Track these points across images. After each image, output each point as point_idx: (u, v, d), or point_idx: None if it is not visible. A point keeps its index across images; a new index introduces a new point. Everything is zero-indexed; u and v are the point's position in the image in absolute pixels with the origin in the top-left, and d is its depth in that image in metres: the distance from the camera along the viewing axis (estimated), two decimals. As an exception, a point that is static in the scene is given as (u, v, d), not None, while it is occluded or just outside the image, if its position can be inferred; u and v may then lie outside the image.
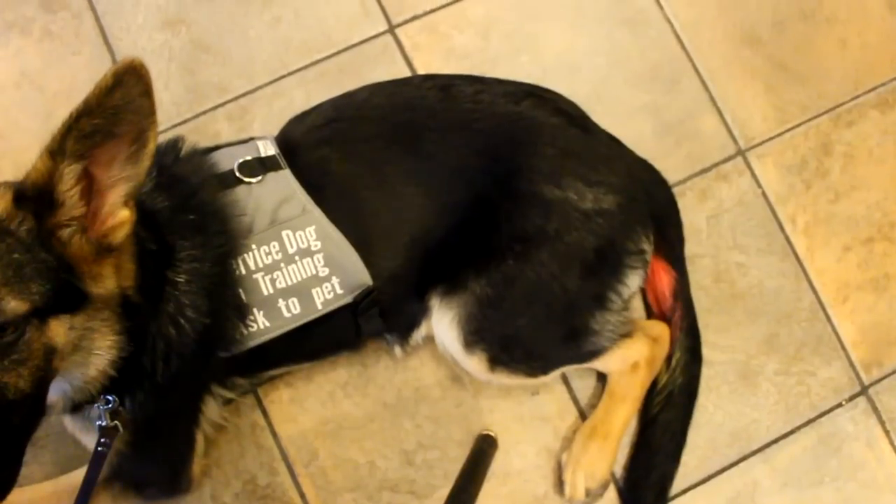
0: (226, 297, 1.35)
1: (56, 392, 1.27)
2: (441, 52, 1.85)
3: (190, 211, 1.31)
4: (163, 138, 1.42)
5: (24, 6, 1.90)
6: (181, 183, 1.34)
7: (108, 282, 1.13)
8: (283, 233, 1.38)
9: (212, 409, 1.59)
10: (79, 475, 1.54)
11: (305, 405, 1.70)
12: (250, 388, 1.67)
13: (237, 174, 1.39)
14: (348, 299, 1.44)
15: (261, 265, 1.37)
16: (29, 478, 1.65)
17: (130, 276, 1.17)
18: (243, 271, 1.36)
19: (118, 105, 0.97)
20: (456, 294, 1.52)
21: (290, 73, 1.86)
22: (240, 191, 1.38)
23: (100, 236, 1.10)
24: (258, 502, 1.67)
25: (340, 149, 1.48)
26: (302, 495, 1.67)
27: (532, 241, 1.47)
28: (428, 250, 1.50)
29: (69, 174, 1.03)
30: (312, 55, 1.87)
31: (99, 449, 1.39)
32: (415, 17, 1.90)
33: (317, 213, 1.40)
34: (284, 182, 1.41)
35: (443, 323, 1.54)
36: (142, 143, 1.03)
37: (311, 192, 1.42)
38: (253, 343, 1.40)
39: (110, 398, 1.32)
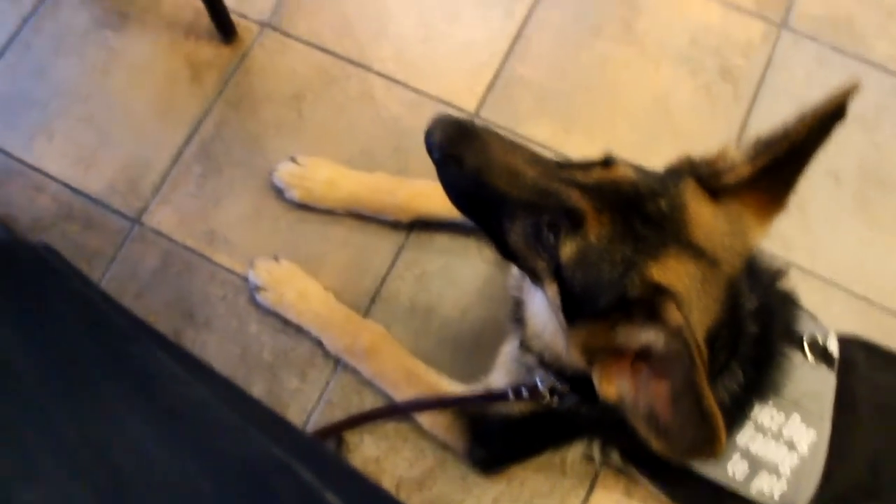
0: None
1: (538, 314, 1.35)
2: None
3: (763, 347, 1.33)
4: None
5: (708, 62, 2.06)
6: (772, 318, 1.36)
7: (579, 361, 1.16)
8: (794, 415, 1.39)
9: (575, 451, 1.62)
10: (449, 385, 1.64)
11: (625, 513, 1.70)
12: (610, 466, 1.69)
13: (805, 343, 1.41)
14: None
15: (758, 420, 1.38)
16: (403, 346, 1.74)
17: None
18: (747, 413, 1.38)
19: None
20: None
21: (842, 288, 1.88)
22: (796, 357, 1.40)
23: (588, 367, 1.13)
24: (520, 538, 1.68)
25: (880, 399, 1.49)
26: (552, 572, 1.66)
27: None
28: None
29: (642, 334, 1.05)
30: (870, 292, 1.88)
31: (508, 392, 1.47)
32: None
33: (827, 428, 1.40)
34: (825, 383, 1.42)
35: None
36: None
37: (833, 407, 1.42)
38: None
39: (564, 381, 1.38)
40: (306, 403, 1.75)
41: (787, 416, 1.39)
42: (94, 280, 1.82)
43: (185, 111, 1.98)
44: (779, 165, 1.12)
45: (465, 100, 2.01)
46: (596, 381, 1.10)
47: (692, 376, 0.94)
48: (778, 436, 1.39)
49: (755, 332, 1.29)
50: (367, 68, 2.03)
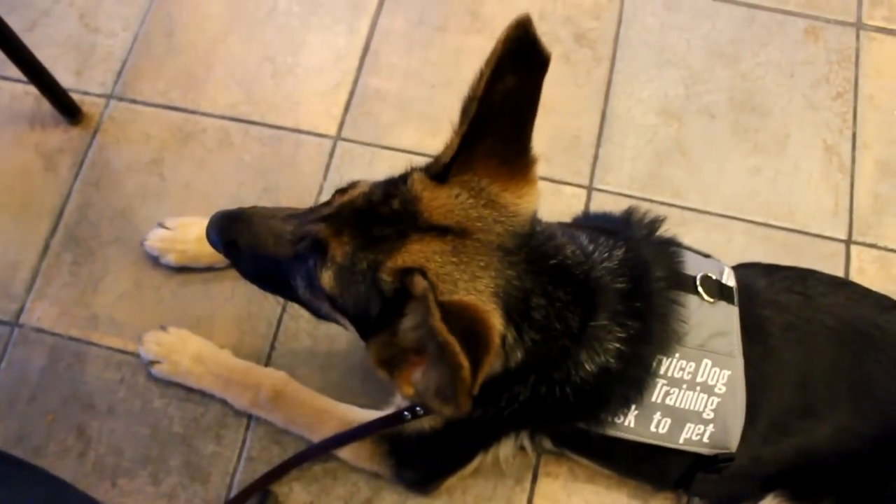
0: (627, 383, 1.32)
1: None
2: (881, 288, 1.78)
3: (645, 300, 1.29)
4: (621, 204, 1.46)
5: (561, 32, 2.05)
6: (646, 270, 1.32)
7: None
8: (705, 360, 1.35)
9: (506, 447, 1.57)
10: (360, 414, 1.58)
11: (573, 498, 1.65)
12: (546, 452, 1.63)
13: (697, 285, 1.37)
14: (706, 451, 1.39)
15: (669, 374, 1.34)
16: (312, 383, 1.68)
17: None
18: (651, 371, 1.34)
19: None
20: None
21: (740, 219, 1.87)
22: (692, 301, 1.36)
23: None
24: (473, 548, 1.62)
25: (789, 319, 1.45)
26: (512, 572, 1.60)
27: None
28: (805, 456, 1.43)
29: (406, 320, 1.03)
30: (769, 217, 1.87)
31: (418, 409, 1.41)
32: (875, 246, 1.87)
33: (739, 362, 1.37)
34: (729, 318, 1.39)
35: (767, 522, 1.46)
36: None
37: (742, 340, 1.38)
38: (609, 432, 1.37)
39: None
40: (227, 466, 1.68)
41: (698, 364, 1.35)
42: None
43: (44, 202, 1.91)
44: (499, 125, 1.09)
45: (324, 125, 1.97)
46: (398, 389, 1.05)
47: (427, 320, 0.91)
48: (693, 384, 1.35)
49: (624, 287, 1.26)
50: (221, 116, 1.99)
